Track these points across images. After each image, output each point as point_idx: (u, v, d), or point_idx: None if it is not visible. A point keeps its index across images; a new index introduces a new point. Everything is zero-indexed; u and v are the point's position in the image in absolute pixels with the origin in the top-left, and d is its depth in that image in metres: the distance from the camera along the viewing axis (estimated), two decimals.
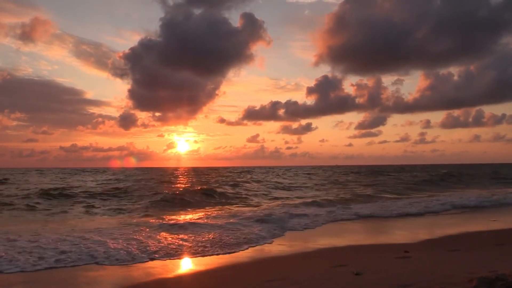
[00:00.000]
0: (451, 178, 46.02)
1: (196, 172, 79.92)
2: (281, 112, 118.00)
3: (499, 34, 78.48)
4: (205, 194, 24.81)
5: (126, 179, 46.72)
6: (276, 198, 25.04)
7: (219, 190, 27.66)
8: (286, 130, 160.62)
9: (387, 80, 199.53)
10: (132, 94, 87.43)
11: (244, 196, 25.97)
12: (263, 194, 28.06)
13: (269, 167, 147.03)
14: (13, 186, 32.64)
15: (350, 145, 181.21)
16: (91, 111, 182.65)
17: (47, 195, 22.99)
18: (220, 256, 9.48)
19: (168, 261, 8.90)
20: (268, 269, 8.03)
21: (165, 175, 64.45)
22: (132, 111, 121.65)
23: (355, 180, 45.20)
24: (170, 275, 7.77)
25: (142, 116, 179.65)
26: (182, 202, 21.49)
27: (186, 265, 8.70)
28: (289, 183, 38.53)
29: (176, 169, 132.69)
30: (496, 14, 64.01)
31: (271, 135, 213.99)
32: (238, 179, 44.92)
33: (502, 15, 65.04)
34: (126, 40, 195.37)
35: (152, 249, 9.65)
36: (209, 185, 32.01)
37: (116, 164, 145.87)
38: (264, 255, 9.63)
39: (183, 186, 33.23)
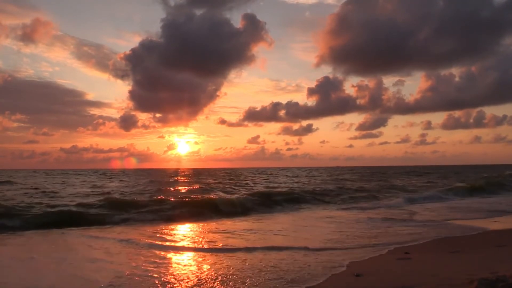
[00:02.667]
0: None
1: (219, 174, 77.86)
2: (281, 113, 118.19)
3: (501, 35, 78.60)
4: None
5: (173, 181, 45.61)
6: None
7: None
8: (286, 131, 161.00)
9: (388, 81, 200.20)
10: (132, 95, 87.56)
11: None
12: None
13: (280, 168, 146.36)
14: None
15: (350, 146, 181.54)
16: (92, 112, 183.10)
17: None
18: None
19: None
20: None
21: (201, 176, 62.49)
22: (133, 112, 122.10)
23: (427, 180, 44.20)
24: None
25: (143, 117, 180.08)
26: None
27: None
28: (359, 186, 33.40)
29: (178, 170, 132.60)
30: (499, 15, 63.98)
31: (272, 136, 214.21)
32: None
33: (504, 16, 65.05)
34: (127, 42, 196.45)
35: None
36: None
37: (117, 165, 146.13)
38: None
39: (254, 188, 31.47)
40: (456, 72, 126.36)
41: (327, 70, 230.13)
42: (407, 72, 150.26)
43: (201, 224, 14.83)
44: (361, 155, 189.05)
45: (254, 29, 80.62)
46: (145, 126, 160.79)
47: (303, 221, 15.70)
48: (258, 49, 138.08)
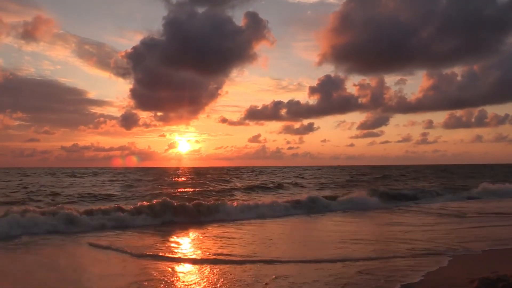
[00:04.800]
0: None
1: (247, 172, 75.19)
2: (283, 112, 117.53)
3: (505, 34, 77.50)
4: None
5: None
6: None
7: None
8: (288, 130, 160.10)
9: (390, 80, 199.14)
10: (134, 93, 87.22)
11: None
12: None
13: (285, 167, 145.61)
14: None
15: (351, 145, 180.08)
16: (93, 111, 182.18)
17: None
18: None
19: None
20: None
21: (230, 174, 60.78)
22: (134, 111, 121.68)
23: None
24: None
25: (144, 115, 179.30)
26: None
27: None
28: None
29: (177, 168, 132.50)
30: (502, 14, 63.33)
31: (273, 135, 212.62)
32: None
33: (507, 15, 64.40)
34: (128, 40, 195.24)
35: None
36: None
37: (118, 163, 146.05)
38: None
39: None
40: (458, 71, 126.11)
41: (328, 69, 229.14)
42: (409, 71, 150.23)
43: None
44: (362, 154, 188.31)
45: (256, 27, 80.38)
46: (146, 125, 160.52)
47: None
48: (260, 48, 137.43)
